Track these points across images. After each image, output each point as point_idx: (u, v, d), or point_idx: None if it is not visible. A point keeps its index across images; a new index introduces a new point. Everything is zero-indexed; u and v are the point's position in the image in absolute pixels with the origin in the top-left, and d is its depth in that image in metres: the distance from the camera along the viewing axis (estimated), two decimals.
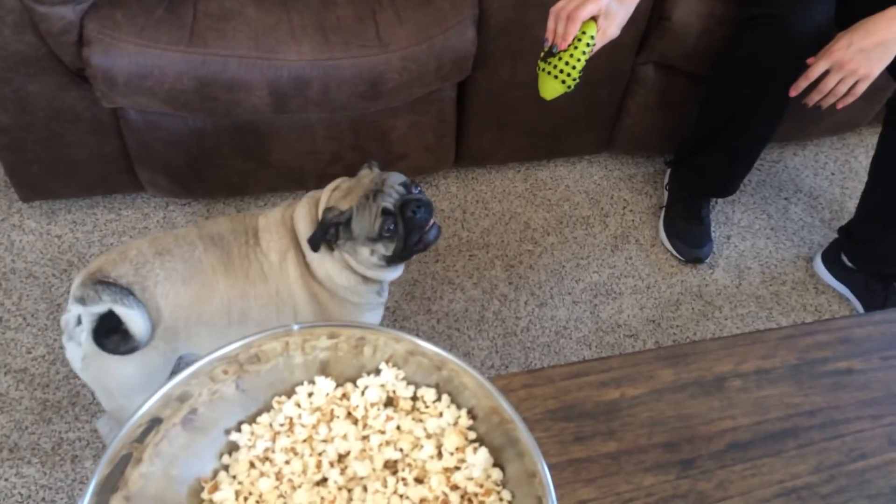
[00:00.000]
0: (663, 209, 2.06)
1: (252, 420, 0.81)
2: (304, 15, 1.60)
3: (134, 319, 1.18)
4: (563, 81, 1.26)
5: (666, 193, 2.08)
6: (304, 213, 1.32)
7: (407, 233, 1.28)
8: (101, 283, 1.18)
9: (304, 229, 1.31)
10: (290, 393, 0.82)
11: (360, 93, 1.64)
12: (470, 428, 0.79)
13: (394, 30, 1.62)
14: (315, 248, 1.28)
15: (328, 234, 1.27)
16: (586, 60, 1.25)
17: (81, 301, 1.18)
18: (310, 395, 0.82)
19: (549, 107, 1.90)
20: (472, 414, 0.79)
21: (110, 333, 1.19)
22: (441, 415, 0.80)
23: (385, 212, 1.26)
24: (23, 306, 1.76)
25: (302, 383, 0.82)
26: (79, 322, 1.22)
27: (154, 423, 0.73)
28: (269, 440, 0.79)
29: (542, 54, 1.28)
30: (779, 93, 1.64)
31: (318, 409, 0.81)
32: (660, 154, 2.19)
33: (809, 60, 1.54)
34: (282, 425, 0.80)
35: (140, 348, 1.21)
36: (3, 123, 1.67)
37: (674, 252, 2.00)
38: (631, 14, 1.30)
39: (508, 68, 1.80)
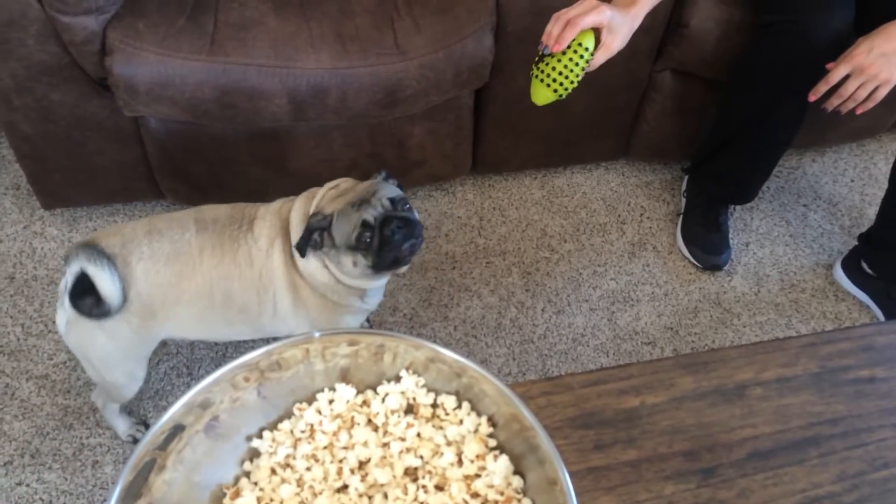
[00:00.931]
0: (681, 216, 2.06)
1: (273, 427, 0.81)
2: (322, 24, 1.62)
3: (103, 280, 1.23)
4: (556, 91, 1.24)
5: (683, 200, 2.08)
6: (299, 206, 1.34)
7: (380, 248, 1.27)
8: (86, 244, 1.24)
9: (297, 222, 1.33)
10: (310, 400, 0.83)
11: (377, 101, 1.65)
12: (490, 435, 0.79)
13: (412, 38, 1.62)
14: (302, 254, 1.29)
15: (312, 239, 1.28)
16: (581, 72, 1.23)
17: (65, 259, 1.25)
18: (330, 401, 0.82)
19: (566, 114, 1.91)
20: (492, 421, 0.79)
21: (85, 295, 1.24)
22: (461, 422, 0.80)
23: (364, 224, 1.26)
24: (44, 313, 1.78)
25: (323, 390, 0.83)
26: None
27: (177, 429, 0.73)
28: (291, 447, 0.79)
29: (536, 58, 1.26)
30: (796, 98, 1.63)
31: (338, 415, 0.81)
32: (677, 161, 2.19)
33: (829, 65, 1.54)
34: (303, 432, 0.80)
35: (112, 313, 1.26)
36: (25, 132, 1.69)
37: (691, 259, 1.99)
38: (637, 28, 1.29)
39: (526, 76, 1.79)
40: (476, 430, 0.79)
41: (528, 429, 0.74)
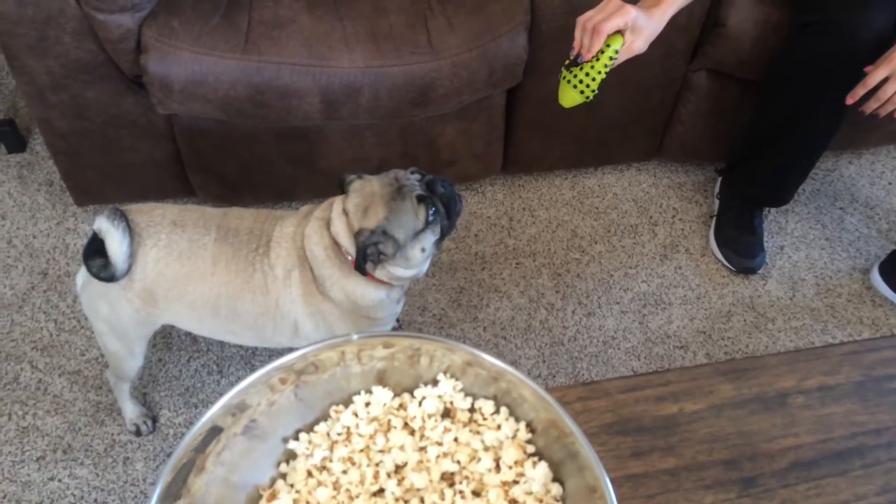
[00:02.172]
0: (714, 218, 2.03)
1: (309, 429, 0.81)
2: (356, 22, 1.61)
3: (112, 240, 1.25)
4: (582, 92, 1.29)
5: (717, 202, 2.05)
6: (316, 239, 1.31)
7: (446, 208, 1.31)
8: (115, 208, 1.26)
9: (320, 254, 1.30)
10: (347, 402, 0.82)
11: (410, 100, 1.64)
12: (529, 441, 0.78)
13: (445, 37, 1.62)
14: (363, 272, 1.27)
15: (369, 256, 1.26)
16: (606, 73, 1.27)
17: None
18: (367, 404, 0.81)
19: (600, 114, 1.89)
20: (530, 427, 0.78)
21: (96, 255, 1.27)
22: (499, 427, 0.79)
23: (421, 199, 1.27)
24: (77, 309, 1.79)
25: (359, 392, 0.82)
26: None
27: (214, 431, 0.73)
28: (327, 449, 0.79)
29: (567, 63, 1.30)
30: (834, 100, 1.60)
31: (375, 419, 0.81)
32: (710, 162, 2.16)
33: (868, 68, 1.51)
34: (339, 434, 0.80)
35: (116, 279, 1.28)
36: (60, 129, 1.70)
37: (725, 262, 1.96)
38: (661, 29, 1.29)
39: (559, 75, 1.78)
40: (514, 436, 0.78)
41: (567, 435, 0.73)
